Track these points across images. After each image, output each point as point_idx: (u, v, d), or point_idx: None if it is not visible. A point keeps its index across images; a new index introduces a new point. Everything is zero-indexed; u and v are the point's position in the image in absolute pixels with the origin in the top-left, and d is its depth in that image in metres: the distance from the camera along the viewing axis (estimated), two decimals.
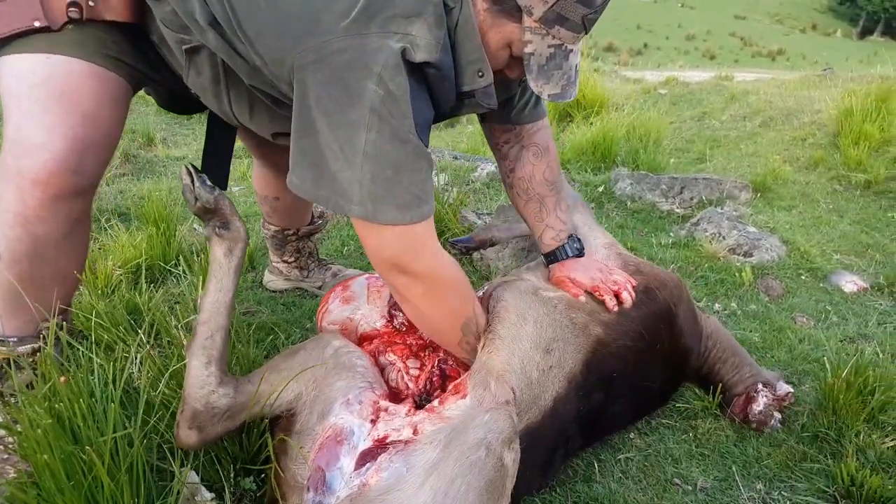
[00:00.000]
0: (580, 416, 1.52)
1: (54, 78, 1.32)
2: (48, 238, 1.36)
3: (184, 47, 1.40)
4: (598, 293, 1.67)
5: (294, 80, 1.27)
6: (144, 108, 5.60)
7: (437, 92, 1.36)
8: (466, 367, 1.57)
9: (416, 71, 1.28)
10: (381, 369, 1.59)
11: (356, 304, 1.75)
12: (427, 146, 1.35)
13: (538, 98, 1.74)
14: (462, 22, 1.33)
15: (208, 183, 1.42)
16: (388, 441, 1.29)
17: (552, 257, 1.80)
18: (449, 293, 1.46)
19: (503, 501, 1.22)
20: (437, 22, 1.28)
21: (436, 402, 1.42)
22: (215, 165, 1.83)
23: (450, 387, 1.48)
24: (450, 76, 1.35)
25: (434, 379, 1.59)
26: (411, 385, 1.57)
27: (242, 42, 1.32)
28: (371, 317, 1.71)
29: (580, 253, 1.79)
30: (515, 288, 1.66)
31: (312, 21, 1.25)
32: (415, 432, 1.31)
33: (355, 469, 1.25)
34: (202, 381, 1.33)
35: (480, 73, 1.39)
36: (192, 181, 1.41)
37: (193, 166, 1.42)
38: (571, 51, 1.39)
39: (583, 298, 1.67)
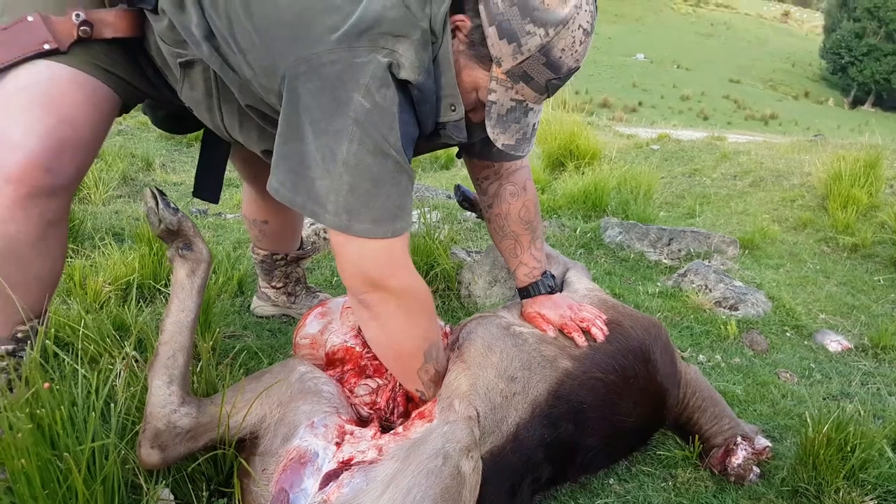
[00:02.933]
0: (546, 444, 1.53)
1: (37, 83, 1.35)
2: (21, 239, 1.36)
3: (178, 61, 1.44)
4: (566, 330, 1.70)
5: (285, 88, 1.30)
6: (145, 133, 5.65)
7: (420, 113, 1.40)
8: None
9: (403, 87, 1.32)
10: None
11: (329, 319, 1.77)
12: (410, 162, 1.37)
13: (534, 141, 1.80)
14: (442, 55, 1.37)
15: (172, 205, 1.43)
16: (353, 462, 1.30)
17: (525, 293, 1.87)
18: (422, 313, 1.46)
19: None
20: (423, 45, 1.32)
21: (400, 428, 1.44)
22: (209, 179, 1.87)
23: (414, 413, 1.51)
24: (431, 100, 1.39)
25: (398, 399, 1.61)
26: (372, 407, 1.59)
27: (235, 53, 1.35)
28: (341, 330, 1.74)
29: (552, 290, 1.84)
30: (488, 322, 1.71)
31: (304, 33, 1.29)
32: (380, 452, 1.32)
33: (319, 489, 1.25)
34: (164, 400, 1.32)
35: (453, 108, 1.43)
36: (157, 204, 1.41)
37: (157, 189, 1.44)
38: (532, 109, 1.46)
39: (551, 334, 1.71)
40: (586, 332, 1.71)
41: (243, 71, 1.37)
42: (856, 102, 56.18)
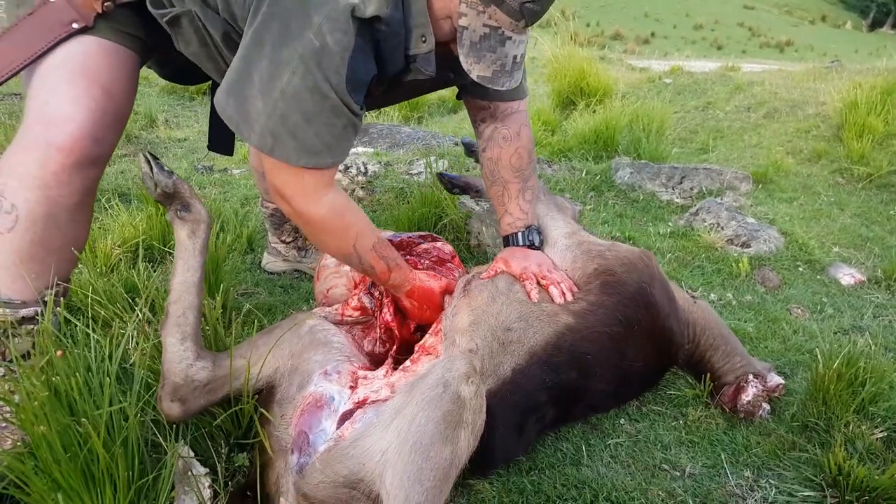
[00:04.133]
0: (548, 388, 1.57)
1: (74, 57, 1.42)
2: (64, 204, 1.43)
3: (164, 20, 1.45)
4: (521, 279, 1.70)
5: (250, 10, 1.33)
6: (147, 88, 5.59)
7: (385, 50, 1.38)
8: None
9: (365, 28, 1.30)
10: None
11: None
12: (358, 104, 1.38)
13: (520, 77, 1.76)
14: None
15: (166, 169, 1.46)
16: (367, 402, 1.36)
17: (505, 242, 1.86)
18: (324, 235, 1.53)
19: (461, 429, 1.28)
20: None
21: (408, 363, 1.51)
22: (221, 132, 1.88)
23: (418, 349, 1.58)
24: (399, 33, 1.37)
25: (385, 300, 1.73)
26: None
27: None
28: None
29: (532, 245, 1.82)
30: (498, 277, 1.73)
31: None
32: (392, 390, 1.38)
33: (337, 429, 1.32)
34: (179, 356, 1.37)
35: (423, 38, 1.40)
36: (151, 168, 1.44)
37: (151, 154, 1.46)
38: (510, 38, 1.40)
39: (485, 276, 1.73)
40: (545, 290, 1.70)
41: (217, 4, 1.39)
42: (875, 24, 54.22)
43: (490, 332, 1.56)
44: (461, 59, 1.42)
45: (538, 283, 1.70)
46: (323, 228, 1.50)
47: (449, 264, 1.93)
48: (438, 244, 1.99)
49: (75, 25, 1.40)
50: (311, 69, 1.27)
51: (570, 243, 1.87)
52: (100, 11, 1.41)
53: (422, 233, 2.04)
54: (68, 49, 1.41)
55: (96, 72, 1.43)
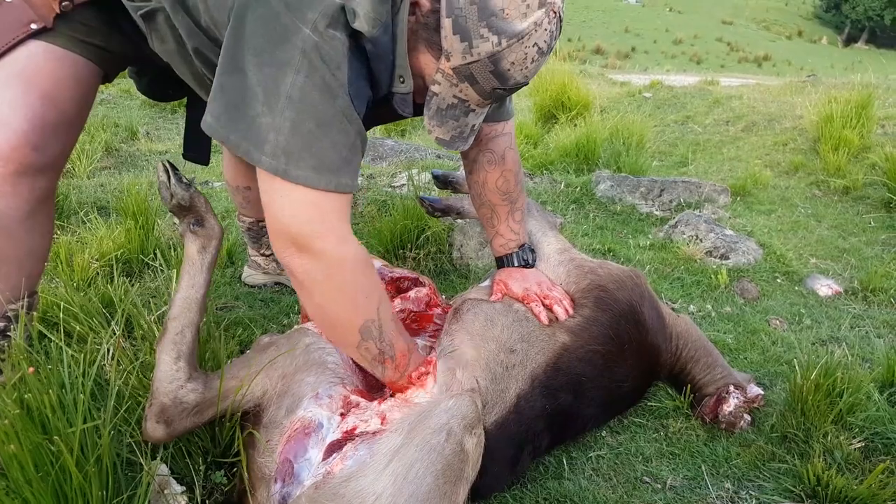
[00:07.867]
0: (547, 415, 1.55)
1: (16, 62, 1.35)
2: (11, 215, 1.38)
3: (139, 13, 1.39)
4: (526, 302, 1.69)
5: (231, 17, 1.23)
6: (128, 101, 5.57)
7: (376, 70, 1.32)
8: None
9: (355, 38, 1.24)
10: None
11: None
12: (361, 116, 1.28)
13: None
14: (399, 20, 1.31)
15: (184, 180, 1.41)
16: (356, 432, 1.30)
17: (500, 262, 1.85)
18: (351, 286, 1.32)
19: (461, 485, 1.24)
20: None
21: (400, 395, 1.44)
22: (197, 139, 1.82)
23: (414, 374, 1.49)
24: (387, 60, 1.32)
25: None
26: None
27: None
28: None
29: (527, 264, 1.82)
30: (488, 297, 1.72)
31: None
32: (383, 421, 1.32)
33: (323, 459, 1.26)
34: (171, 375, 1.32)
35: (402, 79, 1.38)
36: (169, 178, 1.39)
37: (170, 163, 1.41)
38: (473, 110, 1.42)
39: (494, 299, 1.70)
40: (549, 309, 1.69)
41: (197, 8, 1.32)
42: (849, 40, 55.32)
43: (492, 358, 1.52)
44: (425, 119, 1.42)
45: (542, 303, 1.69)
46: (353, 276, 1.31)
47: (430, 311, 1.83)
48: (420, 292, 1.86)
49: (34, 26, 1.34)
50: (315, 65, 1.17)
51: (562, 259, 1.87)
52: (58, 11, 1.35)
53: (404, 272, 1.91)
54: (14, 55, 1.35)
55: (37, 77, 1.36)
